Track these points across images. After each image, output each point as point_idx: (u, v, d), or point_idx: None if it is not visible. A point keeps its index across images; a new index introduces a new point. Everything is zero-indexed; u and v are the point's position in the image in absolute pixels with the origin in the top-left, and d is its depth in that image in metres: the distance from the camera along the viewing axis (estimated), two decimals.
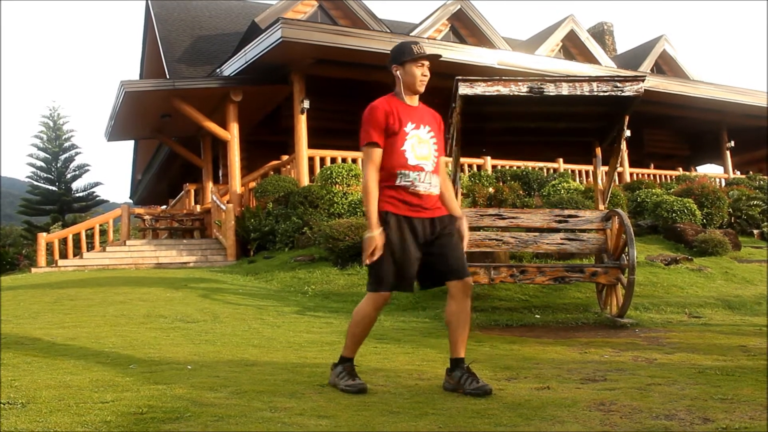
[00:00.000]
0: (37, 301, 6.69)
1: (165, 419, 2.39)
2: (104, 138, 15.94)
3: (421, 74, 3.09)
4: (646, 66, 20.95)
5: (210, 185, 15.62)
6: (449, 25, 18.53)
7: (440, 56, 3.29)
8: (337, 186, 11.38)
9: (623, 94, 5.27)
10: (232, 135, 13.37)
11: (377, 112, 3.02)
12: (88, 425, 2.30)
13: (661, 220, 10.19)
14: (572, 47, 20.59)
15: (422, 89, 3.13)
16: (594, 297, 6.62)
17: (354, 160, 12.59)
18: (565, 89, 5.25)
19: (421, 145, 3.07)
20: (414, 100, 3.15)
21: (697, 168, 22.73)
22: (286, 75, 12.97)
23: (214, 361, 3.73)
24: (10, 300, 6.78)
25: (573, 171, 14.77)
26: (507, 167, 13.44)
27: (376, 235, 2.93)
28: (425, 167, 3.05)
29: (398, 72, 3.11)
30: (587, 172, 14.96)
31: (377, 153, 3.01)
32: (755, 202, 11.86)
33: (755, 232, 11.40)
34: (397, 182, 3.01)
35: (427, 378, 3.29)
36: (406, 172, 3.02)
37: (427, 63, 3.12)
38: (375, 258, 2.93)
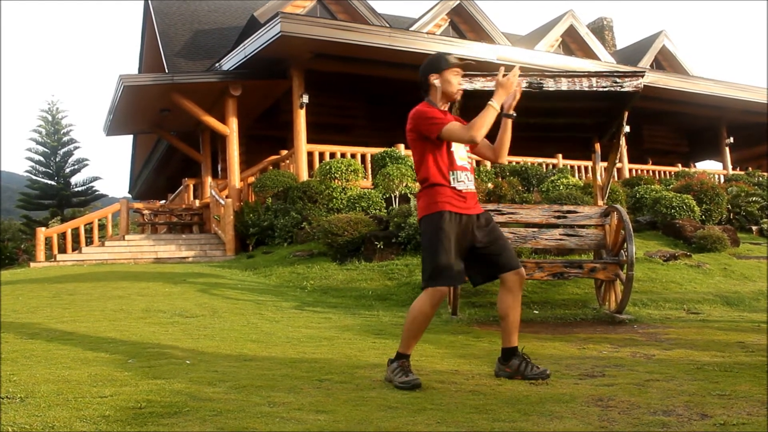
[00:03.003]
0: (36, 295, 6.69)
1: (164, 414, 2.39)
2: (103, 132, 15.94)
3: (457, 82, 3.22)
4: (646, 62, 20.94)
5: (209, 180, 15.60)
6: (449, 20, 18.49)
7: (474, 63, 3.41)
8: (336, 181, 11.37)
9: (622, 89, 5.26)
10: (231, 129, 13.36)
11: (430, 109, 3.17)
12: (86, 420, 2.30)
13: (659, 216, 10.19)
14: (572, 42, 20.57)
15: (459, 96, 3.25)
16: (592, 293, 6.62)
17: (353, 155, 12.58)
18: (564, 85, 5.24)
19: (460, 148, 3.24)
20: (446, 107, 3.27)
21: (696, 164, 22.74)
22: (285, 69, 12.95)
23: (212, 355, 3.73)
24: (9, 294, 6.77)
25: (572, 167, 14.77)
26: (506, 163, 13.42)
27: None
28: (467, 167, 3.23)
29: (436, 80, 3.21)
30: (586, 168, 14.97)
31: (456, 125, 3.10)
32: (754, 199, 11.87)
33: (754, 228, 11.41)
34: (451, 183, 3.14)
35: (425, 373, 3.29)
36: (458, 172, 3.17)
37: (461, 71, 3.25)
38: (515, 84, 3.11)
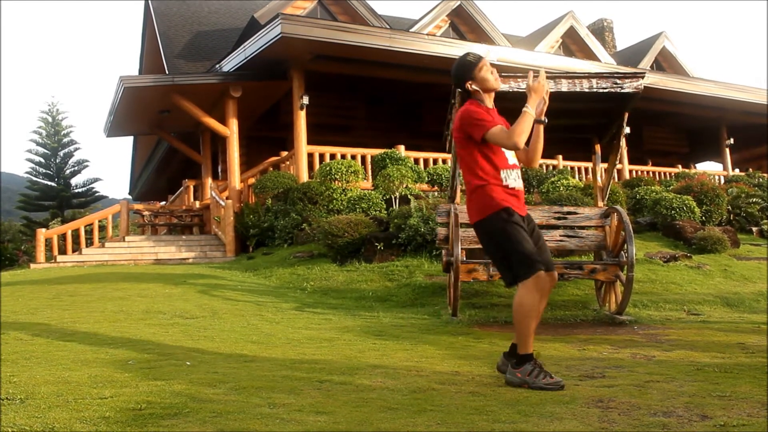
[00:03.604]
0: (36, 296, 6.69)
1: (164, 415, 2.39)
2: (103, 134, 15.95)
3: (491, 74, 3.26)
4: (646, 63, 20.94)
5: (209, 181, 15.61)
6: (449, 21, 18.50)
7: (487, 51, 3.42)
8: (336, 182, 11.37)
9: (623, 90, 5.26)
10: (231, 131, 13.36)
11: (479, 108, 3.18)
12: (86, 421, 2.30)
13: (660, 217, 10.19)
14: (572, 44, 20.57)
15: (500, 85, 3.30)
16: (593, 294, 6.62)
17: (353, 157, 12.59)
18: (564, 86, 5.25)
19: None
20: (491, 102, 3.29)
21: (697, 165, 22.73)
22: (285, 71, 12.96)
23: (212, 357, 3.73)
24: (9, 296, 6.77)
25: (572, 168, 14.77)
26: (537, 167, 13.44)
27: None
28: (517, 165, 3.27)
29: (474, 86, 3.25)
30: (586, 169, 14.97)
31: (500, 128, 3.11)
32: (754, 200, 11.86)
33: (754, 229, 11.40)
34: (504, 182, 3.15)
35: (425, 374, 3.29)
36: (509, 171, 3.19)
37: (488, 62, 3.29)
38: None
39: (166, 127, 15.75)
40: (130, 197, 25.71)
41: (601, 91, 5.26)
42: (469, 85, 3.24)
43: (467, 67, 3.25)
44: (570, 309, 6.23)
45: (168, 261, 11.53)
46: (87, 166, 27.35)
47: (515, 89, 5.26)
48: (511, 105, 5.79)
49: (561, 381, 2.94)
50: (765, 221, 11.57)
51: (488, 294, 6.78)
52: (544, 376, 2.94)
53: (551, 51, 19.38)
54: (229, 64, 13.47)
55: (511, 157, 3.23)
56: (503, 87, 5.24)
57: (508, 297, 6.70)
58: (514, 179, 3.19)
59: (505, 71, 5.22)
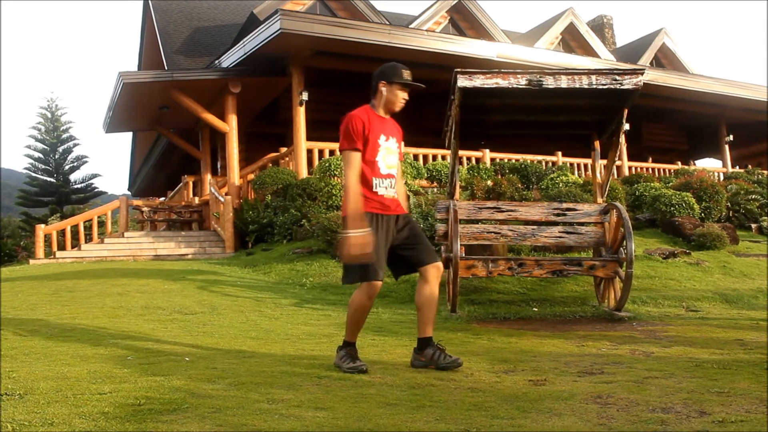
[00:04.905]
0: (36, 292, 6.69)
1: (163, 410, 2.40)
2: (102, 129, 15.91)
3: (402, 98, 3.40)
4: (646, 59, 20.91)
5: (208, 177, 15.59)
6: (448, 17, 18.46)
7: (424, 87, 3.50)
8: (336, 178, 11.36)
9: (622, 87, 5.26)
10: (230, 127, 13.35)
11: (357, 121, 3.28)
12: (85, 416, 2.31)
13: (659, 213, 10.19)
14: (571, 40, 20.54)
15: (398, 109, 3.43)
16: (592, 290, 6.63)
17: None
18: (564, 82, 5.24)
19: (390, 155, 3.39)
20: (385, 114, 3.43)
21: (696, 162, 22.73)
22: (284, 67, 12.94)
23: (211, 352, 3.74)
24: (9, 291, 6.77)
25: (572, 164, 14.76)
26: (506, 160, 13.43)
27: (366, 234, 3.14)
28: (393, 175, 3.40)
29: (383, 88, 3.38)
30: (586, 166, 14.94)
31: (358, 158, 3.27)
32: (753, 197, 11.86)
33: (753, 226, 11.41)
34: (374, 189, 3.29)
35: (424, 370, 3.29)
36: (380, 180, 3.31)
37: (407, 90, 3.42)
38: (368, 254, 3.14)
39: (165, 123, 15.73)
40: (129, 193, 25.68)
41: (600, 87, 5.25)
42: (380, 86, 3.37)
43: (393, 73, 3.36)
44: (569, 305, 6.24)
45: (167, 257, 11.52)
46: (86, 161, 27.36)
47: (514, 85, 5.25)
48: (509, 101, 5.82)
49: (362, 366, 3.17)
50: (764, 218, 11.57)
51: (487, 290, 6.78)
52: (351, 362, 3.22)
53: (551, 47, 19.34)
54: (229, 60, 13.45)
55: (385, 167, 3.33)
56: (503, 83, 5.24)
57: (507, 293, 6.71)
58: (384, 188, 3.31)
59: (504, 68, 5.23)
